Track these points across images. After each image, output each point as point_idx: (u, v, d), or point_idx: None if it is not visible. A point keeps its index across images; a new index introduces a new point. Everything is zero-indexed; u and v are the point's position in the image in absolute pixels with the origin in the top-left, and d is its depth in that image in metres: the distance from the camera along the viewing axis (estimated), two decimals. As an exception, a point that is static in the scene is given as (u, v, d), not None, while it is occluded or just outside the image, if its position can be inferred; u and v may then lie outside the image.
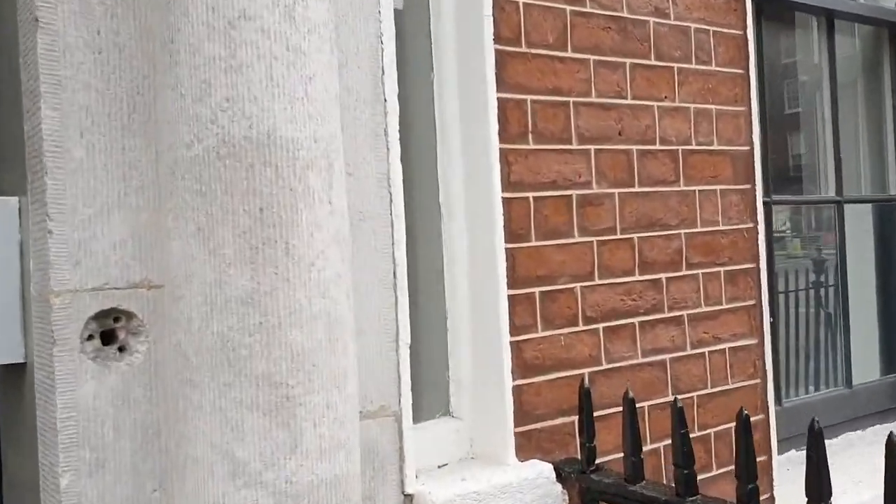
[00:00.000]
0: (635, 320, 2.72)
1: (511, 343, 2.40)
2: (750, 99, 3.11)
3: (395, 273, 2.15)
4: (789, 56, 4.42)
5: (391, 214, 2.15)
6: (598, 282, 2.62)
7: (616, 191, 2.69)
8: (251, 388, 1.64)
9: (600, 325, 2.62)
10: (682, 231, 2.86)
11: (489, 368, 2.41)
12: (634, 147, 2.75)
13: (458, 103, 2.45)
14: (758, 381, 3.07)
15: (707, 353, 2.93)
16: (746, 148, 3.11)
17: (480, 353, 2.43)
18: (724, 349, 2.98)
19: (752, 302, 3.09)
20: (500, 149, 2.41)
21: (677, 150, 2.87)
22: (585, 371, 2.58)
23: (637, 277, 2.72)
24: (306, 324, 1.68)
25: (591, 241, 2.62)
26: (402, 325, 2.15)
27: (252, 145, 1.65)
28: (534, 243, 2.48)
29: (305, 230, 1.69)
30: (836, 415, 3.95)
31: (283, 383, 1.64)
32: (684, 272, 2.85)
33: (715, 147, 3.00)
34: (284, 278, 1.65)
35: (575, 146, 2.59)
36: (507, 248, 2.41)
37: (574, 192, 2.57)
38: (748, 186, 3.12)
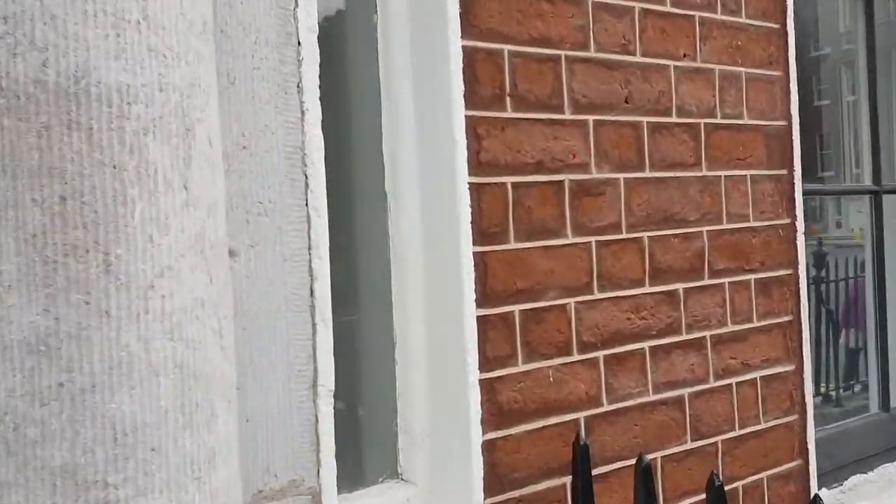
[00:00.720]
0: (645, 345, 2.15)
1: (481, 381, 1.81)
2: (788, 61, 2.53)
3: (312, 290, 1.56)
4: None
5: (307, 206, 1.56)
6: (597, 296, 2.05)
7: (621, 176, 2.12)
8: (44, 491, 1.07)
9: (601, 354, 2.05)
10: (705, 228, 2.30)
11: (451, 416, 1.82)
12: (645, 119, 2.17)
13: (409, 53, 1.82)
14: (794, 417, 2.51)
15: (734, 386, 2.36)
16: (783, 123, 2.53)
17: (440, 396, 1.85)
18: (756, 379, 2.41)
19: (788, 318, 2.52)
20: (467, 117, 1.80)
21: (699, 124, 2.30)
22: (581, 416, 2.01)
23: (648, 289, 2.15)
24: (140, 384, 1.10)
25: (589, 242, 2.04)
26: (324, 365, 1.56)
27: (48, 94, 1.06)
28: (513, 245, 1.91)
29: (140, 233, 1.10)
30: (872, 444, 3.42)
31: (99, 482, 1.07)
32: (707, 281, 2.29)
33: (745, 121, 2.43)
34: (102, 311, 1.07)
35: (568, 116, 1.99)
36: (475, 253, 1.80)
37: (567, 178, 1.96)
38: (784, 172, 2.54)
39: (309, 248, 1.55)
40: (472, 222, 1.79)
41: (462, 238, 1.78)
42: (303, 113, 1.55)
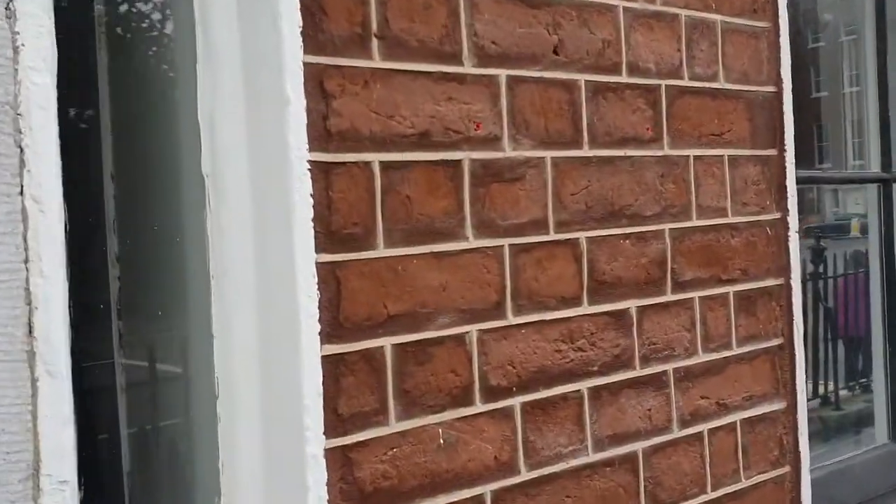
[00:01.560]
0: (583, 386, 1.63)
1: (330, 452, 1.25)
2: (777, 9, 2.04)
3: (30, 325, 1.04)
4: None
5: (22, 196, 1.04)
6: (512, 320, 1.53)
7: (548, 154, 1.60)
8: None
9: (517, 401, 1.52)
10: (667, 226, 1.79)
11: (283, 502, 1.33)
12: (582, 77, 1.65)
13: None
14: (786, 469, 2.01)
15: (706, 434, 1.86)
16: (771, 90, 2.02)
17: (275, 473, 1.33)
18: (735, 423, 1.91)
19: (777, 341, 2.02)
20: (308, 65, 1.23)
21: (658, 86, 1.79)
22: (487, 489, 1.48)
23: (586, 309, 1.63)
24: None
25: (500, 247, 1.48)
26: (51, 442, 1.04)
27: None
28: (382, 252, 1.38)
29: None
30: (881, 481, 2.93)
31: None
32: (669, 296, 1.78)
33: (720, 84, 1.92)
34: None
35: (469, 69, 1.41)
36: (322, 264, 1.24)
37: (467, 156, 1.39)
38: (773, 152, 2.04)
39: (26, 262, 1.03)
40: (314, 219, 1.26)
41: (297, 243, 1.25)
42: (15, 47, 1.04)
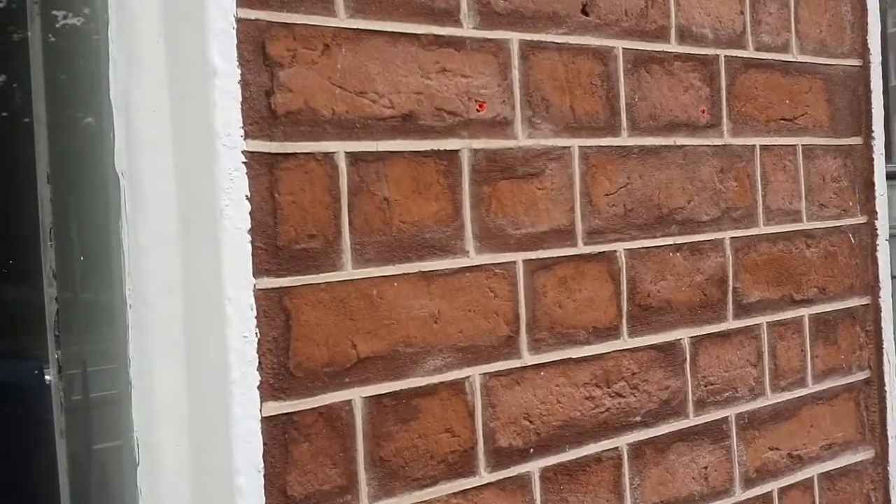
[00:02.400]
0: (621, 442, 1.26)
1: (276, 546, 1.01)
2: None
3: None
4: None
5: None
6: (528, 360, 1.17)
7: (575, 143, 1.26)
8: None
9: (535, 466, 1.15)
10: (727, 234, 1.45)
11: None
12: (620, 44, 1.31)
13: None
14: (875, 533, 1.68)
15: (776, 495, 1.52)
16: (855, 63, 1.68)
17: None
18: (811, 479, 1.57)
19: (863, 375, 1.66)
20: (243, 22, 0.90)
21: (716, 58, 1.45)
22: (494, 583, 1.19)
23: (625, 343, 1.28)
24: None
25: (512, 263, 1.11)
26: None
27: None
28: (350, 273, 0.99)
29: None
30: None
31: None
32: (730, 323, 1.43)
33: (793, 57, 1.56)
34: None
35: (470, 31, 1.08)
36: (263, 290, 0.92)
37: (466, 145, 1.07)
38: (857, 141, 1.69)
39: None
40: (252, 231, 0.95)
41: (226, 263, 0.94)
42: None
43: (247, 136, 0.92)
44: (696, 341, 1.34)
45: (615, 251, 1.24)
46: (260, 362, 0.93)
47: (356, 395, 1.00)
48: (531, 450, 1.14)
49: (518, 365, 1.14)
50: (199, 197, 0.92)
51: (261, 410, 0.92)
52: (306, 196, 0.97)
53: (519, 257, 1.14)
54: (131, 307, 1.02)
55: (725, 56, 1.39)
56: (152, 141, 0.99)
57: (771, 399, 1.44)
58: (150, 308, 1.00)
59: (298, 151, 0.96)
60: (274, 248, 0.94)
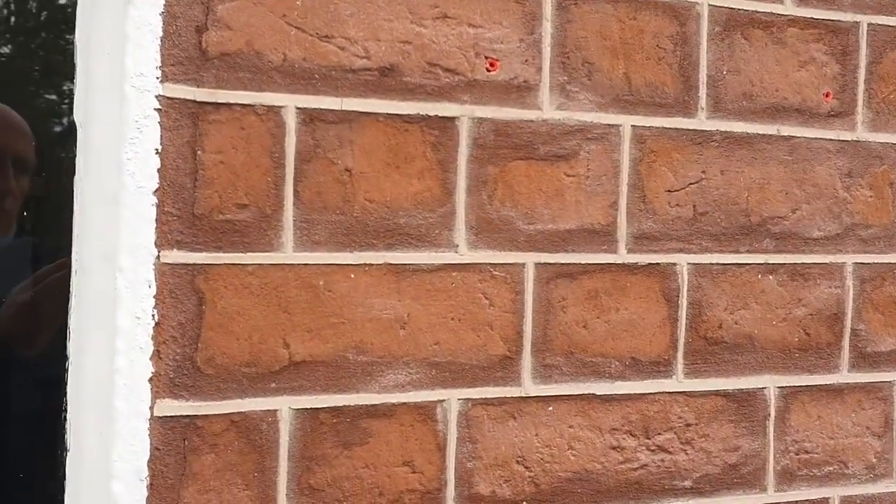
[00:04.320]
0: (660, 510, 1.07)
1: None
2: None
3: None
4: None
5: None
6: (530, 389, 0.96)
7: (628, 120, 0.96)
8: None
9: None
10: (851, 259, 1.11)
11: None
12: (705, 0, 1.11)
13: None
14: None
15: None
16: None
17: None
18: None
19: None
20: None
21: (854, 26, 1.12)
22: None
23: (680, 383, 0.99)
24: None
25: (520, 266, 0.91)
26: None
27: None
28: (290, 256, 0.83)
29: None
30: None
31: None
32: (844, 375, 1.09)
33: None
34: None
35: None
36: (169, 265, 0.79)
37: (468, 112, 0.89)
38: None
39: None
40: (160, 192, 0.81)
41: (123, 228, 0.80)
42: None
43: (165, 78, 0.81)
44: (789, 394, 1.08)
45: (674, 264, 1.02)
46: (157, 351, 0.81)
47: (284, 404, 0.86)
48: (523, 503, 0.96)
49: (516, 394, 0.95)
50: (106, 149, 0.84)
51: (152, 408, 0.81)
52: (239, 157, 0.84)
53: (530, 259, 0.95)
54: (76, 273, 0.95)
55: (870, 24, 1.12)
56: (103, 87, 0.92)
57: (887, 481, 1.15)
58: (88, 276, 0.93)
59: (234, 102, 0.84)
60: (190, 217, 0.83)
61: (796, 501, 1.07)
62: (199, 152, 0.81)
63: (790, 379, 1.06)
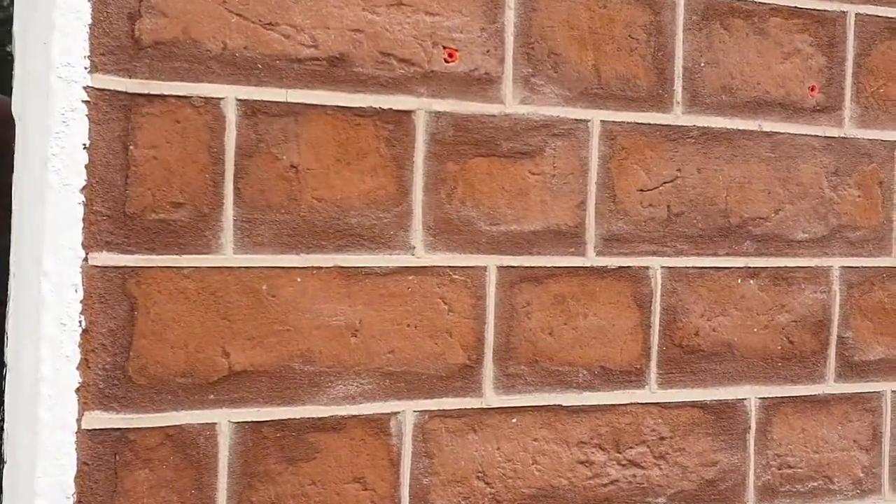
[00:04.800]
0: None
1: None
2: None
3: None
4: None
5: None
6: (491, 401, 0.86)
7: (597, 115, 0.89)
8: None
9: None
10: (837, 262, 1.02)
11: None
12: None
13: None
14: None
15: None
16: None
17: None
18: None
19: None
20: None
21: (841, 14, 1.02)
22: None
23: (654, 394, 0.91)
24: None
25: (481, 270, 0.85)
26: None
27: None
28: (230, 259, 0.77)
29: None
30: None
31: None
32: (830, 385, 1.02)
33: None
34: None
35: None
36: (98, 268, 0.74)
37: (424, 106, 0.84)
38: None
39: None
40: (87, 190, 0.75)
41: (48, 229, 0.76)
42: None
43: (94, 68, 0.76)
44: (771, 405, 1.03)
45: (647, 267, 0.97)
46: (85, 359, 0.77)
47: (223, 417, 0.82)
48: (482, 525, 0.91)
49: (477, 405, 0.90)
50: (34, 144, 0.79)
51: (80, 421, 0.77)
52: (174, 152, 0.80)
53: (492, 262, 0.90)
54: (13, 276, 0.91)
55: (857, 14, 1.07)
56: (35, 79, 0.87)
57: (889, 501, 1.10)
58: (21, 279, 0.88)
59: (168, 93, 0.79)
60: (121, 216, 0.78)
61: (778, 519, 1.02)
62: (130, 147, 0.76)
63: (772, 389, 1.01)
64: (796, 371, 1.02)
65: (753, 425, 1.00)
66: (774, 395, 1.01)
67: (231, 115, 0.79)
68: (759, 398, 1.00)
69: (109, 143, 0.76)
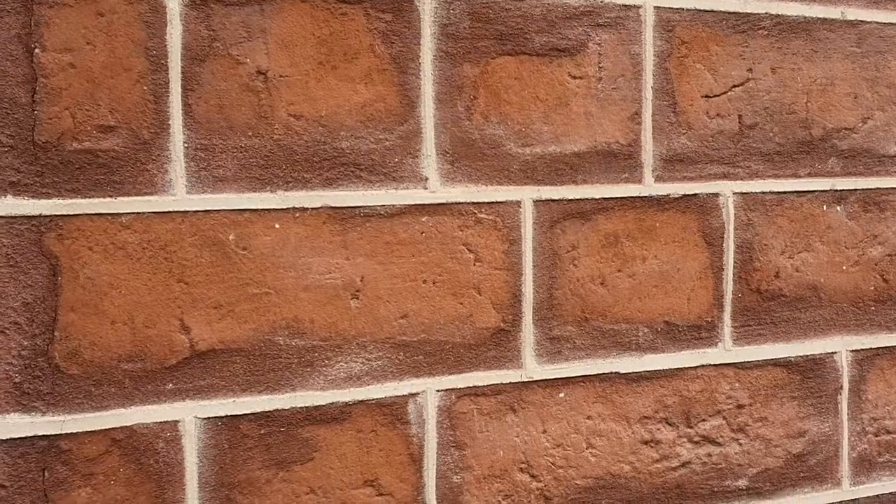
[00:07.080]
0: (709, 519, 0.85)
1: None
2: None
3: None
4: None
5: None
6: (533, 373, 0.79)
7: (652, 1, 0.85)
8: None
9: None
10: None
11: None
12: None
13: None
14: None
15: None
16: None
17: None
18: None
19: None
20: None
21: None
22: None
23: (725, 353, 0.82)
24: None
25: (514, 204, 0.69)
26: None
27: None
28: (185, 201, 0.58)
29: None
30: None
31: None
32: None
33: None
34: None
35: None
36: (6, 220, 0.55)
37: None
38: None
39: None
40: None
41: None
42: None
43: None
44: (865, 359, 0.87)
45: (717, 195, 0.80)
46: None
47: (188, 412, 0.64)
48: (530, 526, 0.74)
49: (515, 379, 0.73)
50: None
51: (-11, 430, 0.59)
52: (98, 56, 0.61)
53: (527, 194, 0.73)
54: None
55: None
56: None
57: None
58: None
59: None
60: (29, 147, 0.60)
61: (878, 496, 0.86)
62: (36, 51, 0.57)
63: (865, 340, 0.84)
64: (893, 316, 0.86)
65: (846, 384, 0.83)
66: (868, 347, 0.84)
67: (173, 3, 0.60)
68: (851, 351, 0.84)
69: (4, 44, 0.56)
